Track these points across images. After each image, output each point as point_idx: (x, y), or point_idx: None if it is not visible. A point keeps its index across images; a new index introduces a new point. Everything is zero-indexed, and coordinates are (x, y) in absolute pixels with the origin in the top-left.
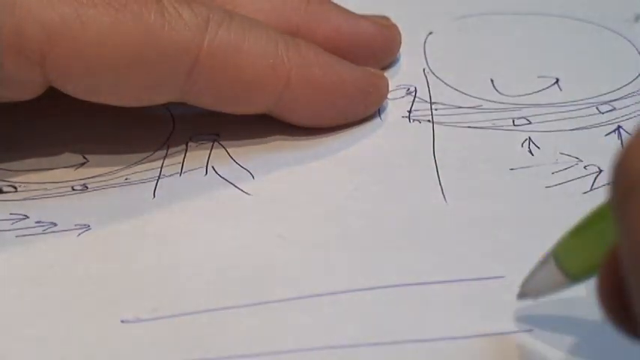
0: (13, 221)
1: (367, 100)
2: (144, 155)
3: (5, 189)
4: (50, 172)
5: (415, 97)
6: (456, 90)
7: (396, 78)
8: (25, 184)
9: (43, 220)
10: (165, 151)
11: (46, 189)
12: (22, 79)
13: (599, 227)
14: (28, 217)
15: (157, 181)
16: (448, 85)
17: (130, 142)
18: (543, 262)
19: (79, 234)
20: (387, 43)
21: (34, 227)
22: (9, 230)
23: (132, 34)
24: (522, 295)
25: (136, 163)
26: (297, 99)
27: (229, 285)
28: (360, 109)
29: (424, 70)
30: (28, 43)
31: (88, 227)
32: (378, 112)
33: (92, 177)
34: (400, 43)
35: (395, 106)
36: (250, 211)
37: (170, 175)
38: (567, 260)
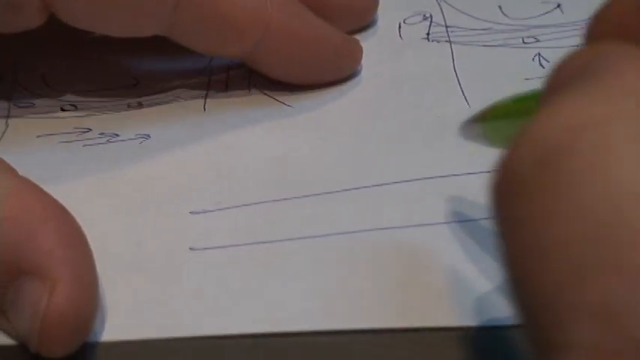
0: (78, 133)
1: (341, 63)
2: (190, 76)
3: (66, 107)
4: (106, 92)
5: (431, 21)
6: (468, 15)
7: (412, 5)
8: (84, 103)
9: (105, 132)
10: (208, 76)
11: (104, 106)
12: (22, 3)
13: (518, 108)
14: (91, 130)
15: (206, 97)
16: (460, 11)
17: (175, 67)
18: (474, 119)
19: (141, 142)
20: (363, 6)
21: (98, 138)
22: (75, 141)
23: None
24: (460, 134)
25: (184, 84)
26: (274, 48)
27: (283, 180)
28: (333, 70)
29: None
30: None
31: (148, 137)
32: (398, 33)
33: (145, 95)
34: (377, 5)
35: (414, 30)
36: (293, 118)
37: (217, 92)
38: (488, 131)
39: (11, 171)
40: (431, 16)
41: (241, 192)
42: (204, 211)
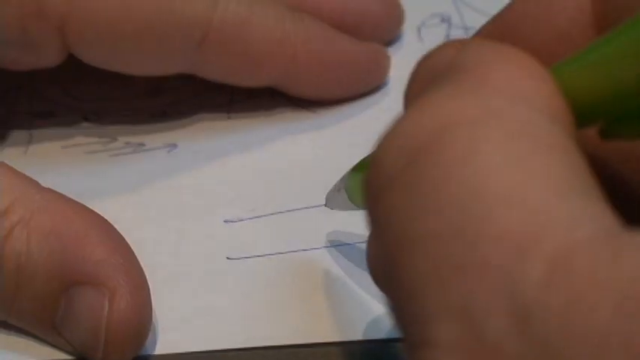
0: (104, 144)
1: (370, 75)
2: (213, 84)
3: (89, 117)
4: (128, 100)
5: (450, 23)
6: (487, 15)
7: (429, 7)
8: (106, 112)
9: (131, 142)
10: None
11: (126, 115)
12: (43, 44)
13: None
14: (117, 140)
15: (230, 104)
16: (478, 10)
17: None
18: (337, 188)
19: (169, 151)
20: (389, 20)
21: (124, 148)
22: (101, 152)
23: (147, 4)
24: (328, 204)
25: (207, 91)
26: (303, 73)
27: (316, 186)
28: (363, 84)
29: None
30: (49, 7)
31: (175, 146)
32: (418, 34)
33: (169, 104)
34: (402, 19)
35: (433, 33)
36: (319, 126)
37: (241, 99)
38: (353, 195)
39: (35, 183)
40: (449, 18)
41: (274, 199)
42: (239, 220)
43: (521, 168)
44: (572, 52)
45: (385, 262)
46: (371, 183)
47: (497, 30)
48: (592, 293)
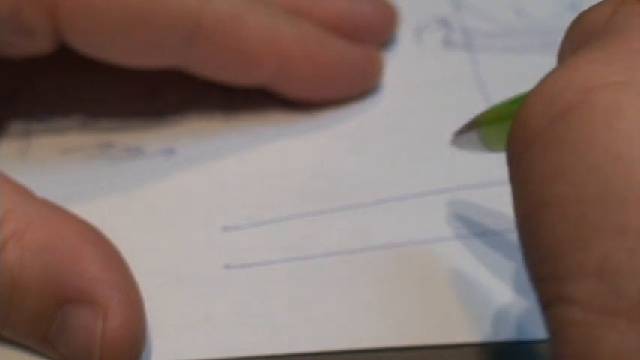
0: (102, 149)
1: (363, 78)
2: (211, 86)
3: (87, 121)
4: (125, 103)
5: (449, 26)
6: (486, 18)
7: (429, 9)
8: (104, 116)
9: (129, 147)
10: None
11: (125, 118)
12: (35, 28)
13: (514, 110)
14: (114, 146)
15: (228, 107)
16: (477, 13)
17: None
18: (469, 127)
19: (167, 157)
20: (384, 23)
21: (122, 153)
22: (100, 157)
23: None
24: (453, 144)
25: (205, 93)
26: (295, 74)
27: (314, 192)
28: (355, 86)
29: (453, 1)
30: None
31: (173, 151)
32: (416, 37)
33: (166, 106)
34: (397, 23)
35: (432, 37)
36: (317, 129)
37: (239, 102)
38: (486, 136)
39: (30, 194)
40: (448, 21)
41: (273, 205)
42: (237, 227)
43: None
44: None
45: (524, 220)
46: (514, 138)
47: None
48: None
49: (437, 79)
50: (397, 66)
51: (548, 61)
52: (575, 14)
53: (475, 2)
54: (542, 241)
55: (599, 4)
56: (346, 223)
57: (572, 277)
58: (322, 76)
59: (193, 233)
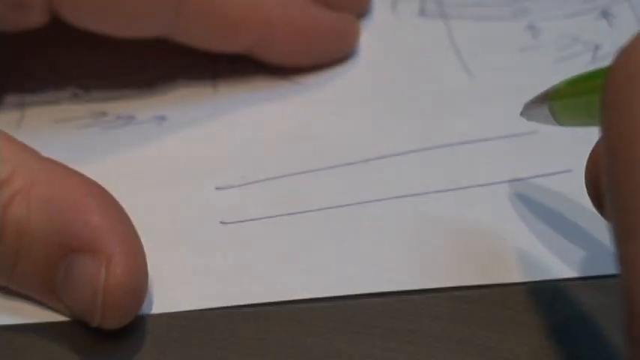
0: (95, 118)
1: (340, 43)
2: (199, 55)
3: (78, 92)
4: (115, 74)
5: None
6: None
7: None
8: (95, 87)
9: (121, 115)
10: (215, 55)
11: (115, 89)
12: (30, 3)
13: (590, 85)
14: (106, 114)
15: (215, 76)
16: None
17: (183, 46)
18: (541, 100)
19: (158, 123)
20: None
21: (115, 121)
22: (93, 126)
23: None
24: (523, 115)
25: (193, 63)
26: (277, 38)
27: (303, 153)
28: (333, 51)
29: None
30: None
31: (164, 117)
32: (393, 7)
33: (156, 76)
34: None
35: (407, 7)
36: (302, 94)
37: (226, 71)
38: (557, 111)
39: (35, 153)
40: None
41: (264, 166)
42: (231, 187)
43: None
44: None
45: (611, 160)
46: (613, 79)
47: None
48: None
49: (413, 46)
50: (375, 34)
51: (520, 27)
52: None
53: None
54: (626, 175)
55: None
56: (334, 180)
57: None
58: (303, 40)
59: (188, 193)
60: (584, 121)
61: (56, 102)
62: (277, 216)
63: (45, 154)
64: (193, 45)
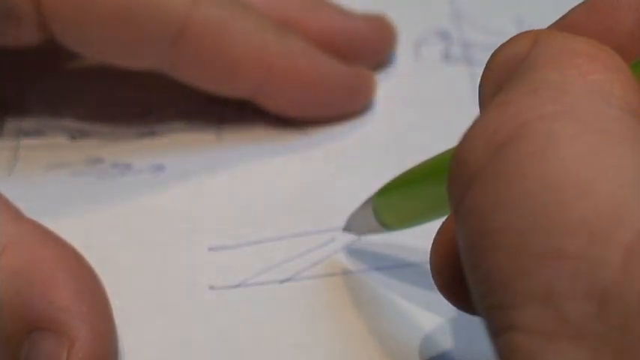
0: (91, 165)
1: (352, 98)
2: (204, 103)
3: (76, 136)
4: (116, 119)
5: (448, 40)
6: (486, 30)
7: (427, 22)
8: (94, 131)
9: (118, 163)
10: (222, 103)
11: (115, 135)
12: (21, 15)
13: (412, 186)
14: (103, 161)
15: (220, 125)
16: (477, 25)
17: (188, 93)
18: (364, 206)
19: (155, 174)
20: (380, 42)
21: (111, 169)
22: (88, 173)
23: None
24: (347, 229)
25: (198, 111)
26: (278, 88)
27: (303, 213)
28: (344, 105)
29: (453, 14)
30: None
31: (162, 168)
32: (415, 51)
33: (157, 123)
34: (395, 41)
35: (431, 51)
36: (311, 148)
37: (231, 120)
38: (382, 213)
39: (17, 214)
40: (448, 34)
41: (261, 226)
42: (224, 247)
43: (595, 161)
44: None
45: (469, 253)
46: (455, 178)
47: (575, 22)
48: None
49: (435, 95)
50: (394, 81)
51: None
52: None
53: (475, 14)
54: (486, 272)
55: (515, 37)
56: (335, 245)
57: (517, 305)
58: (307, 92)
59: (179, 253)
60: (414, 217)
61: (52, 144)
62: (270, 282)
63: (34, 202)
64: (190, 83)
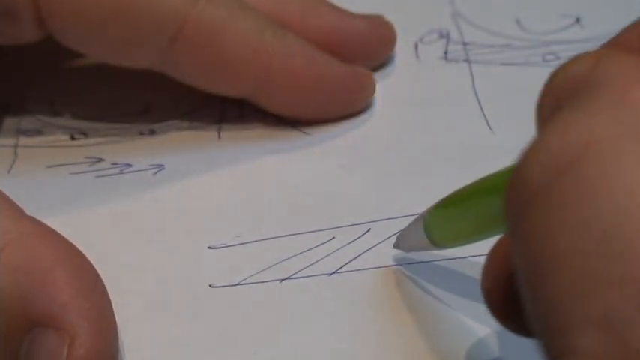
0: (90, 164)
1: (351, 97)
2: (204, 102)
3: (76, 136)
4: (117, 119)
5: (448, 39)
6: (486, 30)
7: (427, 21)
8: (94, 131)
9: (118, 162)
10: (222, 102)
11: (115, 134)
12: (19, 13)
13: (465, 203)
14: (103, 160)
15: (220, 124)
16: (477, 26)
17: (188, 93)
18: (415, 223)
19: (155, 173)
20: (379, 42)
21: (110, 168)
22: (87, 172)
23: None
24: (397, 246)
25: (198, 110)
26: (277, 88)
27: (304, 212)
28: (343, 105)
29: (453, 14)
30: None
31: (162, 167)
32: (415, 51)
33: (158, 122)
34: (394, 41)
35: (430, 49)
36: (311, 147)
37: (232, 119)
38: (433, 230)
39: (17, 212)
40: (448, 34)
41: (261, 224)
42: (224, 246)
43: None
44: None
45: (528, 274)
46: (513, 199)
47: (628, 42)
48: None
49: (434, 95)
50: (394, 81)
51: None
52: (581, 27)
53: (475, 14)
54: (547, 294)
55: (579, 57)
56: (335, 243)
57: (577, 329)
58: (305, 92)
59: (179, 252)
60: (465, 235)
61: (53, 145)
62: (270, 281)
63: (34, 201)
64: (188, 82)
